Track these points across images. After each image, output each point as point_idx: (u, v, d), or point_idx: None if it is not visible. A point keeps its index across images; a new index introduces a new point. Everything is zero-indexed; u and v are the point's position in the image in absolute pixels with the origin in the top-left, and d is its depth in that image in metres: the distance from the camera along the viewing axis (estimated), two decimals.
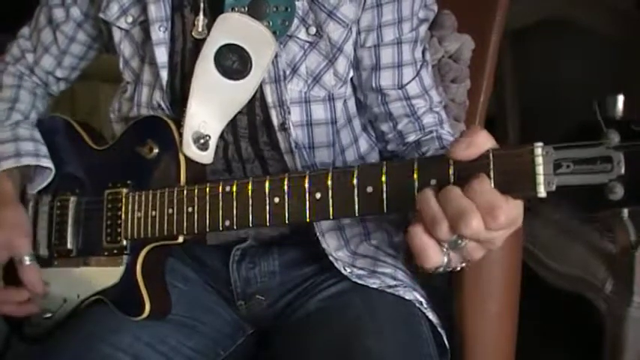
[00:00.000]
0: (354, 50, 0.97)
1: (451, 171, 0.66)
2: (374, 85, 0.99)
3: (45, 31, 1.12)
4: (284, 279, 1.02)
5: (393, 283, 0.96)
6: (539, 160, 0.62)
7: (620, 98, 0.60)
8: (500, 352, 1.13)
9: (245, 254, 1.02)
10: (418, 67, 1.00)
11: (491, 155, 0.64)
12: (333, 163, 1.00)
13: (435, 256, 0.65)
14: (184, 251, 1.06)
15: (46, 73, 1.15)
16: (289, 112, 0.94)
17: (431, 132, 1.02)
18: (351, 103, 1.03)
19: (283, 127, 0.94)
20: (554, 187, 0.61)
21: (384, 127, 1.04)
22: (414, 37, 0.99)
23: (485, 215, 0.62)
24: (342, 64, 0.96)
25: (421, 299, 0.96)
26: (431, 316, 0.96)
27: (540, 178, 0.62)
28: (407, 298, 0.95)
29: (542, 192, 0.62)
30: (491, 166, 0.64)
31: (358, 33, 0.96)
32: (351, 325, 0.89)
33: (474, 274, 1.06)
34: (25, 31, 1.16)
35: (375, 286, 0.94)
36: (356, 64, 0.99)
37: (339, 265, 0.95)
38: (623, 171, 0.59)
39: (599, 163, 0.60)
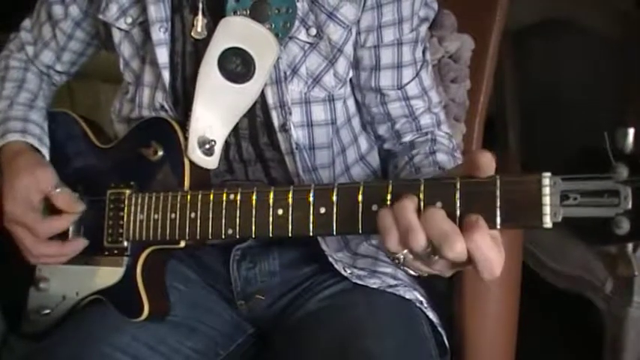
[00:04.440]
0: (354, 50, 0.97)
1: (457, 194, 0.66)
2: (373, 85, 0.99)
3: (45, 27, 1.13)
4: (284, 279, 1.02)
5: (393, 282, 0.96)
6: (547, 190, 0.61)
7: (631, 131, 0.59)
8: (500, 352, 1.13)
9: (245, 254, 1.02)
10: (418, 67, 1.00)
11: (498, 182, 0.64)
12: (334, 164, 1.00)
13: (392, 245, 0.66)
14: (184, 252, 1.06)
15: (46, 66, 1.16)
16: (290, 113, 0.94)
17: (426, 134, 1.02)
18: (351, 102, 1.03)
19: (284, 128, 0.94)
20: (560, 219, 0.61)
21: (382, 127, 1.04)
22: (414, 38, 0.98)
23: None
24: (342, 65, 0.96)
25: (421, 299, 0.96)
26: (431, 315, 0.96)
27: (547, 209, 0.61)
28: (407, 297, 0.95)
29: (547, 223, 0.62)
30: (498, 194, 0.64)
31: (358, 33, 0.96)
32: (351, 325, 0.89)
33: (474, 274, 1.06)
34: (27, 23, 1.17)
35: (375, 286, 0.94)
36: (355, 63, 0.99)
37: (339, 266, 0.95)
38: (630, 206, 0.58)
39: (607, 197, 0.59)
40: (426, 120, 1.02)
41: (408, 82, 1.00)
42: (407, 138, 1.03)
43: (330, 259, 0.95)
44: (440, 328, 0.96)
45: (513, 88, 2.19)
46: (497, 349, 1.13)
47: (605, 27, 1.86)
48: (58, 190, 0.96)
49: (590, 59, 1.95)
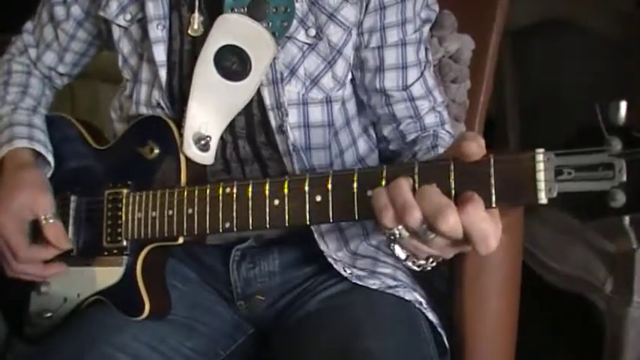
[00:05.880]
0: (354, 52, 0.97)
1: (452, 176, 0.66)
2: (378, 86, 0.99)
3: (47, 28, 1.13)
4: (284, 279, 1.02)
5: (393, 283, 0.96)
6: (541, 166, 0.61)
7: (623, 104, 0.59)
8: (500, 353, 1.12)
9: (245, 254, 1.02)
10: (422, 67, 1.00)
11: (492, 161, 0.64)
12: (332, 165, 1.00)
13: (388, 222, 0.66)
14: (184, 251, 1.06)
15: (48, 68, 1.16)
16: (287, 114, 0.93)
17: (429, 131, 1.02)
18: (351, 105, 1.03)
19: (281, 129, 0.94)
20: (555, 194, 0.61)
21: (387, 128, 1.04)
22: (417, 38, 0.99)
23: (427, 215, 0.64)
24: (340, 67, 0.96)
25: (421, 299, 0.96)
26: (431, 316, 0.96)
27: (541, 185, 0.61)
28: (407, 298, 0.95)
29: (543, 198, 0.62)
30: (492, 172, 0.64)
31: (361, 34, 0.96)
32: (351, 326, 0.89)
33: (474, 274, 1.06)
34: (29, 25, 1.17)
35: (375, 286, 0.94)
36: (360, 65, 0.99)
37: (338, 267, 0.95)
38: (624, 178, 0.58)
39: (601, 170, 0.59)
40: (430, 119, 1.02)
41: (413, 83, 1.00)
42: (411, 137, 1.03)
43: (330, 259, 0.95)
44: (440, 329, 0.96)
45: (513, 88, 2.20)
46: (497, 349, 1.12)
47: (605, 27, 1.86)
48: (51, 220, 0.97)
49: (590, 59, 1.95)
